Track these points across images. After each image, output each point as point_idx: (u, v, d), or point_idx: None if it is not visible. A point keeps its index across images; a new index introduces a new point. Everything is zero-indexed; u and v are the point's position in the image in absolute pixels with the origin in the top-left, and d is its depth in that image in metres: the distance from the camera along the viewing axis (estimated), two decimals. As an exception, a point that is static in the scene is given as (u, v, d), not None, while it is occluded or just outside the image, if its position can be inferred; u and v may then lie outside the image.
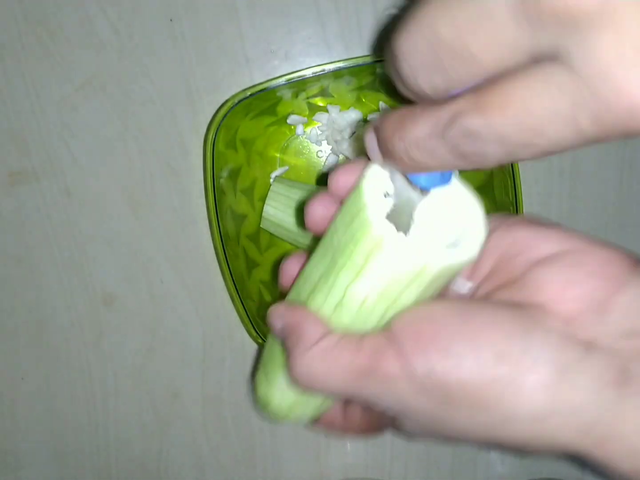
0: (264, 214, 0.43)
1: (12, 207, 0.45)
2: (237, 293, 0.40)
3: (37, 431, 0.47)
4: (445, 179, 0.24)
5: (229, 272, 0.40)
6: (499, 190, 0.42)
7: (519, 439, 0.23)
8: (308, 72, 0.39)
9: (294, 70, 0.39)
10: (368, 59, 0.39)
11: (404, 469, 0.48)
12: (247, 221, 0.44)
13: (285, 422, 0.32)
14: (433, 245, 0.24)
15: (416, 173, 0.23)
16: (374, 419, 0.30)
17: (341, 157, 0.45)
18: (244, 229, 0.44)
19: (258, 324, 0.41)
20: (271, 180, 0.44)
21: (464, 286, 0.27)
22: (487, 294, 0.26)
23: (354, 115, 0.43)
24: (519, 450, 0.24)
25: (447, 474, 0.48)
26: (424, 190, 0.24)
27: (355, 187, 0.25)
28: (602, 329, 0.23)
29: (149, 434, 0.47)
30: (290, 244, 0.45)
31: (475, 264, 0.26)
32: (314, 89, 0.42)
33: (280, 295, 0.31)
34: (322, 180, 0.45)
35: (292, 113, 0.44)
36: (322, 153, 0.45)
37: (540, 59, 0.16)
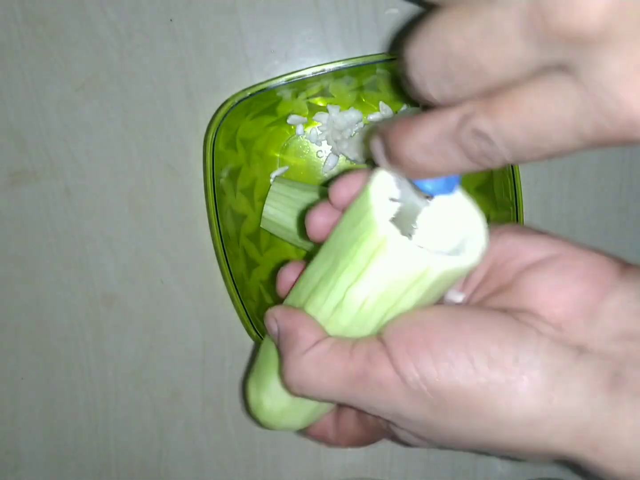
0: (264, 214, 0.43)
1: (12, 207, 0.45)
2: (237, 293, 0.40)
3: (37, 431, 0.47)
4: (449, 188, 0.24)
5: (229, 272, 0.40)
6: (499, 190, 0.42)
7: (512, 444, 0.23)
8: (308, 72, 0.39)
9: (294, 70, 0.39)
10: (368, 59, 0.39)
11: (404, 469, 0.48)
12: (247, 221, 0.44)
13: (276, 429, 0.31)
14: (436, 249, 0.24)
15: (421, 179, 0.23)
16: (367, 429, 0.30)
17: (341, 157, 0.45)
18: (244, 229, 0.44)
19: (258, 324, 0.41)
20: (271, 180, 0.44)
21: (457, 297, 0.27)
22: (479, 302, 0.27)
23: (354, 115, 0.43)
24: (513, 455, 0.24)
25: (447, 474, 0.48)
26: (428, 197, 0.24)
27: (361, 191, 0.25)
28: (593, 333, 0.23)
29: (149, 433, 0.47)
30: (290, 244, 0.45)
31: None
32: (314, 89, 0.42)
33: (280, 297, 0.32)
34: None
35: (292, 113, 0.44)
36: (322, 153, 0.45)
37: (549, 69, 0.17)
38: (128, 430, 0.47)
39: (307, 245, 0.43)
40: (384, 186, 0.24)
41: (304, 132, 0.44)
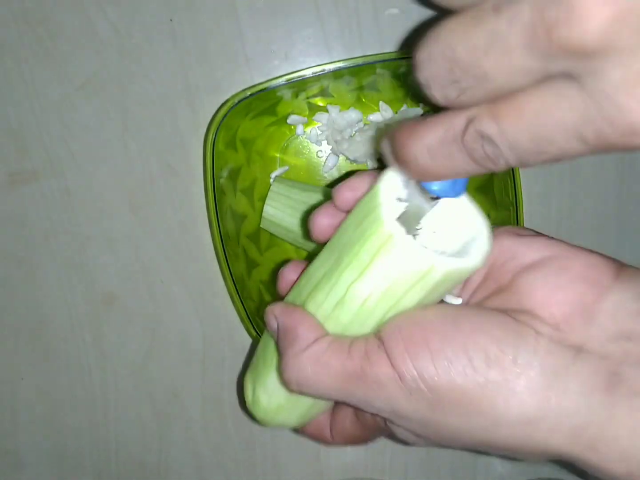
0: (264, 214, 0.43)
1: (12, 207, 0.45)
2: (237, 293, 0.40)
3: (37, 431, 0.47)
4: (456, 191, 0.24)
5: (229, 272, 0.40)
6: (499, 190, 0.42)
7: (510, 443, 0.23)
8: (308, 72, 0.39)
9: (294, 70, 0.39)
10: (368, 59, 0.39)
11: (404, 469, 0.48)
12: (247, 221, 0.44)
13: (271, 425, 0.32)
14: (440, 249, 0.24)
15: (426, 180, 0.24)
16: (365, 427, 0.30)
17: (341, 157, 0.45)
18: (244, 229, 0.44)
19: (258, 324, 0.41)
20: (271, 180, 0.44)
21: (455, 302, 0.27)
22: (478, 302, 0.27)
23: (354, 115, 0.43)
24: (511, 454, 0.24)
25: (447, 474, 0.48)
26: (434, 199, 0.25)
27: (369, 190, 0.26)
28: (591, 333, 0.23)
29: (149, 434, 0.47)
30: (290, 244, 0.45)
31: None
32: (314, 89, 0.42)
33: (280, 297, 0.32)
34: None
35: (292, 113, 0.44)
36: (322, 153, 0.45)
37: (554, 76, 0.17)
38: (128, 430, 0.47)
39: (308, 246, 0.43)
40: (393, 186, 0.25)
41: (304, 132, 0.44)
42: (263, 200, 0.43)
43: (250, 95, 0.39)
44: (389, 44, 0.44)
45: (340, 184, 0.27)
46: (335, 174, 0.45)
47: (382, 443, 0.47)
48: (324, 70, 0.39)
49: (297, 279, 0.30)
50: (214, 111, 0.43)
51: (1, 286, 0.46)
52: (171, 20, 0.43)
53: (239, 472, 0.48)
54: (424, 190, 0.24)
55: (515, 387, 0.22)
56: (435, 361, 0.23)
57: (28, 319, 0.46)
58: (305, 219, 0.41)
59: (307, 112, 0.44)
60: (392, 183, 0.25)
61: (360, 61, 0.39)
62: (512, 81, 0.18)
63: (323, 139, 0.45)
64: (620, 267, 0.25)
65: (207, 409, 0.47)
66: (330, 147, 0.44)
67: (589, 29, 0.15)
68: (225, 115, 0.39)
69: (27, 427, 0.47)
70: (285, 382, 0.27)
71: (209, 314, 0.46)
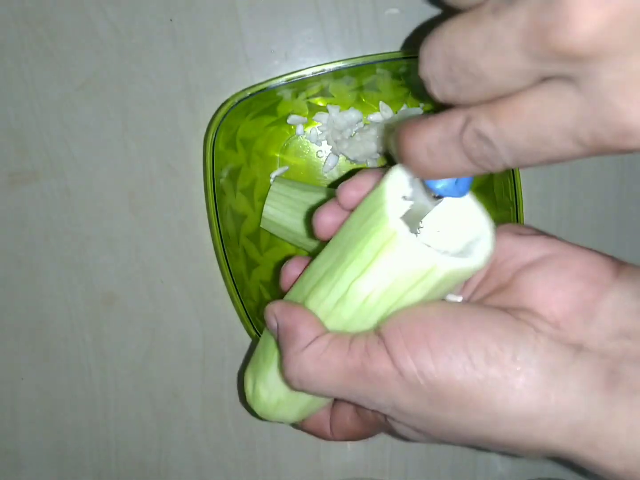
0: (264, 214, 0.43)
1: (12, 207, 0.45)
2: (237, 293, 0.40)
3: (37, 431, 0.47)
4: (459, 191, 0.24)
5: (229, 272, 0.40)
6: (499, 190, 0.42)
7: (509, 439, 0.24)
8: (308, 72, 0.39)
9: (294, 70, 0.39)
10: (368, 59, 0.39)
11: (404, 469, 0.48)
12: (247, 221, 0.44)
13: (270, 420, 0.32)
14: (443, 248, 0.24)
15: (427, 179, 0.24)
16: (365, 423, 0.30)
17: (341, 157, 0.45)
18: (244, 229, 0.44)
19: (258, 324, 0.41)
20: (271, 180, 0.44)
21: (456, 300, 0.28)
22: (479, 301, 0.27)
23: (354, 115, 0.43)
24: (510, 451, 0.25)
25: (447, 474, 0.48)
26: (437, 198, 0.25)
27: (375, 187, 0.26)
28: (590, 331, 0.23)
29: (149, 434, 0.47)
30: (290, 243, 0.45)
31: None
32: (314, 89, 0.42)
33: (280, 295, 0.32)
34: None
35: (292, 113, 0.44)
36: (322, 153, 0.45)
37: (552, 78, 0.18)
38: (128, 430, 0.47)
39: (308, 245, 0.43)
40: (398, 184, 0.25)
41: (304, 132, 0.44)
42: (263, 200, 0.43)
43: (250, 95, 0.39)
44: (389, 44, 0.44)
45: (344, 182, 0.28)
46: (335, 174, 0.45)
47: (383, 442, 0.47)
48: (324, 70, 0.39)
49: (300, 274, 0.30)
50: (214, 111, 0.44)
51: (1, 286, 0.46)
52: (171, 20, 0.43)
53: (239, 472, 0.48)
54: (428, 189, 0.24)
55: (514, 384, 0.23)
56: (435, 358, 0.23)
57: (28, 319, 0.46)
58: (307, 218, 0.41)
59: (307, 112, 0.44)
60: (398, 181, 0.25)
61: (360, 61, 0.39)
62: (509, 82, 0.18)
63: (323, 139, 0.45)
64: (620, 265, 0.25)
65: (207, 409, 0.47)
66: (330, 147, 0.44)
67: (581, 32, 0.15)
68: (225, 115, 0.39)
69: (27, 427, 0.47)
70: (286, 380, 0.27)
71: (209, 314, 0.46)
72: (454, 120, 0.20)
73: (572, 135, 0.18)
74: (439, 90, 0.20)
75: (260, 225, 0.44)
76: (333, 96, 0.43)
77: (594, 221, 0.47)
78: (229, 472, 0.47)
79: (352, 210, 0.27)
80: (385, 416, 0.27)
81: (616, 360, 0.23)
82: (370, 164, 0.44)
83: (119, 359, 0.46)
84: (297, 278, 0.30)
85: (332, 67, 0.39)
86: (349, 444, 0.47)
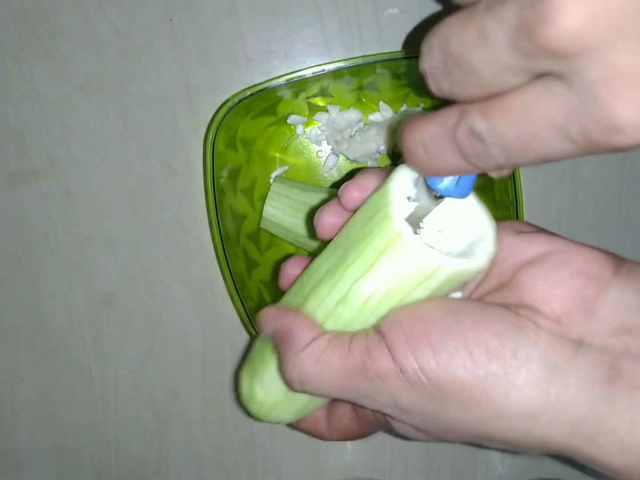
0: (264, 214, 0.43)
1: (12, 207, 0.45)
2: (237, 293, 0.40)
3: (37, 431, 0.47)
4: (460, 191, 0.24)
5: (229, 272, 0.40)
6: (499, 190, 0.42)
7: (510, 436, 0.24)
8: (308, 72, 0.39)
9: (294, 70, 0.39)
10: (368, 59, 0.39)
11: (404, 469, 0.48)
12: (247, 221, 0.44)
13: (266, 420, 0.32)
14: (445, 249, 0.24)
15: (425, 175, 0.24)
16: (364, 423, 0.30)
17: (341, 157, 0.45)
18: (244, 229, 0.44)
19: (258, 324, 0.41)
20: (271, 180, 0.44)
21: (456, 296, 0.27)
22: (479, 298, 0.27)
23: (354, 115, 0.43)
24: (510, 448, 0.25)
25: (447, 473, 0.48)
26: (439, 198, 0.25)
27: (380, 187, 0.26)
28: (591, 328, 0.23)
29: (149, 434, 0.47)
30: (290, 243, 0.45)
31: None
32: (314, 89, 0.42)
33: (281, 295, 0.32)
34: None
35: (292, 113, 0.44)
36: (322, 153, 0.45)
37: (544, 75, 0.18)
38: (128, 430, 0.47)
39: (308, 246, 0.43)
40: (403, 184, 0.25)
41: (304, 132, 0.44)
42: (263, 200, 0.43)
43: (250, 95, 0.39)
44: (389, 44, 0.44)
45: (347, 183, 0.27)
46: (335, 174, 0.45)
47: (383, 442, 0.47)
48: (324, 70, 0.39)
49: (299, 274, 0.30)
50: (214, 111, 0.43)
51: (1, 286, 0.46)
52: (171, 20, 0.43)
53: (239, 472, 0.48)
54: (430, 190, 0.24)
55: (515, 380, 0.23)
56: (436, 354, 0.23)
57: (28, 319, 0.46)
58: (307, 218, 0.41)
59: (307, 112, 0.44)
60: (403, 182, 0.25)
61: (360, 61, 0.39)
62: (501, 78, 0.18)
63: (323, 139, 0.45)
64: (620, 261, 0.25)
65: (207, 409, 0.47)
66: (330, 147, 0.44)
67: (563, 29, 0.16)
68: (225, 115, 0.39)
69: (27, 427, 0.47)
70: (288, 383, 0.27)
71: (209, 314, 0.46)
72: (449, 117, 0.21)
73: (562, 131, 0.18)
74: (435, 83, 0.20)
75: (260, 225, 0.44)
76: (333, 96, 0.43)
77: (594, 221, 0.47)
78: (229, 472, 0.47)
79: (354, 211, 0.27)
80: (385, 415, 0.27)
81: (616, 356, 0.23)
82: (370, 164, 0.44)
83: (119, 359, 0.46)
84: (296, 277, 0.30)
85: (332, 67, 0.39)
86: (348, 444, 0.47)
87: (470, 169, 0.21)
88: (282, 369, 0.27)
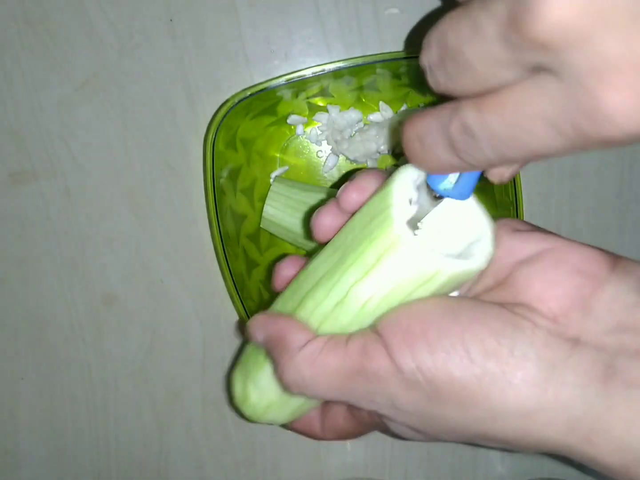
0: (264, 214, 0.43)
1: (12, 207, 0.45)
2: (237, 293, 0.40)
3: (37, 431, 0.47)
4: (460, 193, 0.24)
5: (229, 272, 0.40)
6: (499, 190, 0.42)
7: (507, 435, 0.24)
8: (308, 72, 0.39)
9: (294, 70, 0.39)
10: (368, 59, 0.39)
11: (404, 468, 0.48)
12: (247, 221, 0.44)
13: (260, 422, 0.31)
14: (444, 250, 0.24)
15: (421, 170, 0.24)
16: (359, 423, 0.30)
17: (341, 157, 0.45)
18: (244, 229, 0.44)
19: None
20: (271, 180, 0.44)
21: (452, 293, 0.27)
22: (476, 297, 0.27)
23: (354, 115, 0.43)
24: (508, 447, 0.25)
25: (447, 473, 0.48)
26: (438, 198, 0.25)
27: (379, 190, 0.25)
28: (587, 326, 0.23)
29: (149, 434, 0.47)
30: (290, 244, 0.45)
31: None
32: (314, 89, 0.42)
33: (276, 297, 0.31)
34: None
35: (292, 113, 0.44)
36: (322, 153, 0.45)
37: (537, 70, 0.18)
38: (128, 430, 0.47)
39: (308, 246, 0.43)
40: (405, 186, 0.25)
41: (304, 132, 0.44)
42: (263, 200, 0.43)
43: (250, 95, 0.39)
44: (389, 44, 0.44)
45: (346, 184, 0.27)
46: (335, 174, 0.45)
47: (383, 442, 0.47)
48: (324, 70, 0.39)
49: (294, 275, 0.30)
50: (214, 111, 0.44)
51: (1, 286, 0.46)
52: (171, 20, 0.43)
53: (239, 472, 0.48)
54: (430, 189, 0.24)
55: (512, 379, 0.23)
56: (433, 353, 0.23)
57: (28, 319, 0.46)
58: (307, 219, 0.41)
59: (307, 112, 0.44)
60: (405, 183, 0.25)
61: (360, 61, 0.39)
62: (494, 72, 0.18)
63: (323, 139, 0.45)
64: (616, 259, 0.25)
65: (207, 409, 0.47)
66: (330, 147, 0.44)
67: (548, 20, 0.16)
68: (225, 115, 0.39)
69: (27, 427, 0.47)
70: (284, 387, 0.26)
71: (209, 314, 0.46)
72: (444, 112, 0.21)
73: (553, 125, 0.18)
74: (432, 78, 0.21)
75: (260, 225, 0.44)
76: (333, 96, 0.43)
77: (594, 221, 0.47)
78: (229, 472, 0.47)
79: (352, 213, 0.27)
80: (381, 416, 0.27)
81: (613, 354, 0.23)
82: (370, 164, 0.44)
83: (119, 359, 0.46)
84: (291, 279, 0.30)
85: (332, 67, 0.39)
86: (348, 444, 0.47)
87: (463, 166, 0.21)
88: (277, 374, 0.26)
